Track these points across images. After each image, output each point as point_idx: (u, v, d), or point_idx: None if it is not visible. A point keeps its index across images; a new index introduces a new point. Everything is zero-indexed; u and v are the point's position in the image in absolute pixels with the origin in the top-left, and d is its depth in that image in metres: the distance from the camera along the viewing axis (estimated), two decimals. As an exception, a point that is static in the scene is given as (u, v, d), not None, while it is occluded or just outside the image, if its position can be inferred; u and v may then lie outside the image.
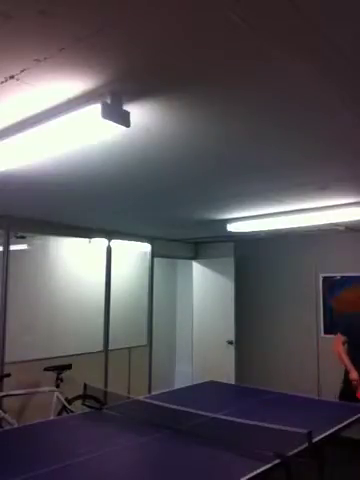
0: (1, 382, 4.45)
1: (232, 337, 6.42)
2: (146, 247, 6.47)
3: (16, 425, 4.11)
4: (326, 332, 5.85)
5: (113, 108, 1.81)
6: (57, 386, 4.58)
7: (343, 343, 4.66)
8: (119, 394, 4.26)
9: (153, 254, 6.52)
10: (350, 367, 4.50)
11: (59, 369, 4.63)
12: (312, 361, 5.90)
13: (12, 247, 4.82)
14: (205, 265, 7.00)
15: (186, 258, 7.22)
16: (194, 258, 7.21)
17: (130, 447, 2.94)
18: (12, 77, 1.69)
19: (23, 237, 4.96)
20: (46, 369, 4.58)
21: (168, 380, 7.20)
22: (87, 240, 5.66)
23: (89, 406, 3.89)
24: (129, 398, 4.36)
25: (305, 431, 2.75)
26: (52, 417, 4.30)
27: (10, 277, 4.75)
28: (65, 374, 4.65)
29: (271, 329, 6.35)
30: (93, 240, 5.72)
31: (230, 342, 6.43)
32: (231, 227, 5.04)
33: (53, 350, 5.01)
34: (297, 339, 6.06)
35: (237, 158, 2.79)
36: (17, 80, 1.71)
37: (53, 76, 1.69)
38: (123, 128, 1.91)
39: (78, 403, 4.33)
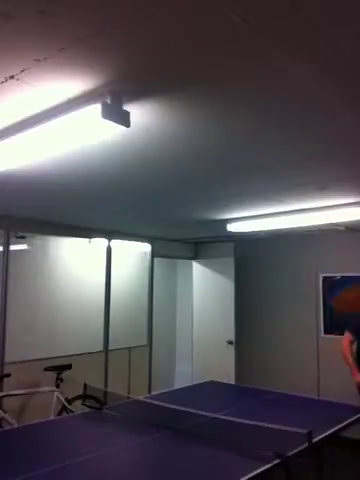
0: (1, 382, 4.45)
1: (232, 337, 6.42)
2: (146, 247, 6.46)
3: (16, 425, 4.10)
4: (326, 332, 5.85)
5: (113, 108, 1.81)
6: (57, 386, 4.58)
7: (351, 343, 4.44)
8: (119, 394, 4.26)
9: (153, 254, 6.52)
10: (354, 369, 4.31)
11: (59, 369, 4.63)
12: (312, 361, 5.89)
13: (12, 247, 4.81)
14: (205, 265, 7.00)
15: (186, 258, 7.22)
16: (194, 258, 7.21)
17: (130, 447, 2.94)
18: (12, 77, 1.69)
19: (23, 237, 4.96)
20: (46, 369, 4.58)
21: (168, 380, 7.19)
22: (87, 240, 5.66)
23: (89, 406, 3.89)
24: (129, 398, 4.37)
25: (305, 431, 2.75)
26: (52, 417, 4.30)
27: (10, 277, 4.75)
28: (65, 374, 4.65)
29: (271, 329, 6.34)
30: (93, 240, 5.72)
31: (230, 342, 6.42)
32: (231, 227, 5.04)
33: (53, 350, 5.01)
34: (297, 339, 6.06)
35: (237, 158, 2.78)
36: (17, 80, 1.71)
37: (53, 76, 1.69)
38: (123, 128, 1.90)
39: (78, 403, 4.33)
